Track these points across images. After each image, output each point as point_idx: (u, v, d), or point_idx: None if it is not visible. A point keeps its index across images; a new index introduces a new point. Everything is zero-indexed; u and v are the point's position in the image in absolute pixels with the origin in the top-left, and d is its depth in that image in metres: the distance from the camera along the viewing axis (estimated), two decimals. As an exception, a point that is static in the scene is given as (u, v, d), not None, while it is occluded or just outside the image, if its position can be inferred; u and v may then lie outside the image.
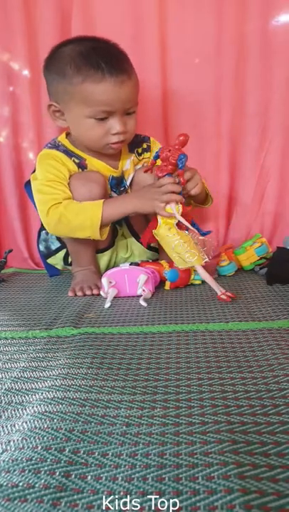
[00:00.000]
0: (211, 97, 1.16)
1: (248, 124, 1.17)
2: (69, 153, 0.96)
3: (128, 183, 1.02)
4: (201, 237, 0.89)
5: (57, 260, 1.09)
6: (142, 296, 0.87)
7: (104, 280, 0.88)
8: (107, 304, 0.85)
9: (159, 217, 0.88)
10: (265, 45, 1.10)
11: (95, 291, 0.94)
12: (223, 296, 0.82)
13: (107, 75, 0.85)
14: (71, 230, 0.91)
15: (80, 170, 0.96)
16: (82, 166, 0.96)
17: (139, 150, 1.04)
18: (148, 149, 1.05)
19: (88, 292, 0.94)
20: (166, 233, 0.87)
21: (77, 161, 0.96)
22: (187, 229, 0.87)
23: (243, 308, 0.80)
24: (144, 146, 1.05)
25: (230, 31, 1.11)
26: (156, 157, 0.88)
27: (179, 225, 0.87)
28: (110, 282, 0.89)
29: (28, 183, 1.03)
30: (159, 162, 0.88)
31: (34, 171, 0.98)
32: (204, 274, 0.84)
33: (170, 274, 0.92)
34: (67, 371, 0.58)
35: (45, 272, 1.21)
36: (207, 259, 0.85)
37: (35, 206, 0.98)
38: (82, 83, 0.85)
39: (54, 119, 0.95)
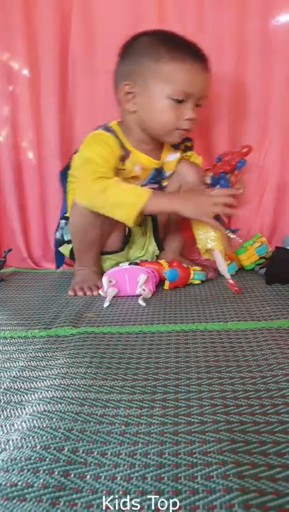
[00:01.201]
0: (211, 97, 1.16)
1: (247, 124, 1.17)
2: (120, 142, 0.95)
3: (167, 175, 1.04)
4: (227, 232, 0.93)
5: (67, 251, 1.09)
6: (141, 295, 0.87)
7: (104, 279, 0.88)
8: (106, 304, 0.85)
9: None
10: (265, 45, 1.10)
11: (95, 293, 0.94)
12: (231, 281, 0.86)
13: (194, 58, 0.88)
14: (109, 205, 0.89)
15: (120, 163, 0.95)
16: (123, 158, 0.96)
17: (182, 147, 1.06)
18: (191, 148, 1.09)
19: (88, 293, 0.94)
20: None
21: (122, 153, 0.95)
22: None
23: (243, 307, 0.80)
24: (189, 144, 1.08)
25: (230, 31, 1.10)
26: (219, 160, 0.99)
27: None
28: (110, 281, 0.89)
29: (63, 171, 1.04)
30: None
31: (75, 152, 0.99)
32: (220, 261, 0.88)
33: (169, 273, 0.92)
34: (66, 370, 0.58)
35: (45, 272, 1.21)
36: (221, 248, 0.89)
37: (64, 191, 0.99)
38: (170, 61, 0.87)
39: (124, 101, 0.93)
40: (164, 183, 1.05)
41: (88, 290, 0.94)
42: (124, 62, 0.93)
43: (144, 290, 0.88)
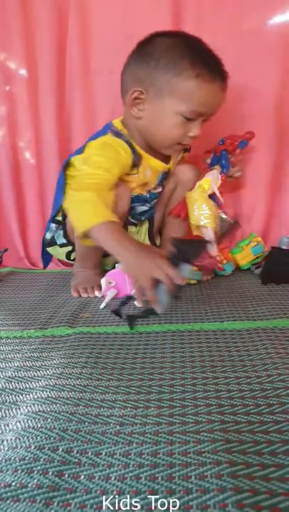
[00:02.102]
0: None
1: (243, 124, 1.17)
2: (131, 147, 0.91)
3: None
4: (224, 216, 0.94)
5: (58, 253, 1.08)
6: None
7: (103, 281, 0.88)
8: (103, 305, 0.85)
9: (197, 182, 0.95)
10: (261, 46, 1.10)
11: (97, 294, 0.93)
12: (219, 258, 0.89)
13: (218, 78, 0.83)
14: (71, 212, 0.82)
15: (133, 169, 0.92)
16: (136, 164, 0.92)
17: (188, 147, 1.06)
18: (188, 150, 1.07)
19: (92, 295, 0.94)
20: (196, 196, 0.92)
21: (135, 158, 0.91)
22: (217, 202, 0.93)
23: (238, 307, 0.80)
24: (188, 146, 1.04)
25: (227, 31, 1.10)
26: (222, 142, 1.00)
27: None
28: (110, 283, 0.89)
29: (63, 168, 0.95)
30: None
31: (80, 152, 0.92)
32: (211, 236, 0.89)
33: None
34: (61, 371, 0.57)
35: (41, 272, 1.21)
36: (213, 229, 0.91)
37: (59, 192, 0.93)
38: (195, 78, 0.82)
39: (131, 105, 0.88)
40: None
41: (92, 291, 0.94)
42: (138, 64, 0.86)
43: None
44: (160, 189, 1.02)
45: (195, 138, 0.89)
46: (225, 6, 1.09)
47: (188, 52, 0.82)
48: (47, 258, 1.12)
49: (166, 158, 0.98)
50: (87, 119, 1.17)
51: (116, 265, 0.94)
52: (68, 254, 1.05)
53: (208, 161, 1.02)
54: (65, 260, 1.10)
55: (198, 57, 0.82)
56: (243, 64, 1.12)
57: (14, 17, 1.13)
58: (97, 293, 0.92)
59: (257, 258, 1.04)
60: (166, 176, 1.01)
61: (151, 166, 0.96)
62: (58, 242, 1.05)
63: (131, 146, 0.90)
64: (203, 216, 0.90)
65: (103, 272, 0.94)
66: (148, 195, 1.00)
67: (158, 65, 0.83)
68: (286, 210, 1.18)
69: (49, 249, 1.09)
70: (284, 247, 1.00)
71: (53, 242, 1.06)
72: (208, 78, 0.82)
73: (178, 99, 0.84)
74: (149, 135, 0.91)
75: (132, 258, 0.71)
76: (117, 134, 0.91)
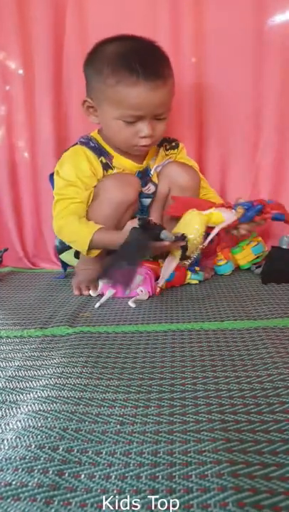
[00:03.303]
0: (207, 97, 1.16)
1: (243, 124, 1.17)
2: (99, 150, 0.96)
3: (152, 172, 1.03)
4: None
5: (70, 255, 1.08)
6: (136, 296, 0.87)
7: (100, 280, 0.88)
8: (97, 304, 0.85)
9: (211, 209, 0.86)
10: (260, 45, 1.10)
11: (92, 293, 0.93)
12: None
13: (142, 80, 0.83)
14: (67, 242, 0.96)
15: (105, 171, 0.96)
16: (107, 166, 0.96)
17: (168, 146, 1.05)
18: (176, 147, 1.07)
19: (92, 293, 0.94)
20: (198, 217, 0.83)
21: (104, 161, 0.96)
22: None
23: (239, 307, 0.80)
24: (173, 143, 1.06)
25: (226, 31, 1.10)
26: (270, 202, 0.91)
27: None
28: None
29: (52, 175, 1.02)
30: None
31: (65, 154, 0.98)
32: (171, 267, 0.84)
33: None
34: (61, 370, 0.57)
35: (41, 272, 1.21)
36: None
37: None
38: (116, 85, 0.84)
39: (87, 114, 0.94)
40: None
41: (94, 289, 0.94)
42: (86, 75, 0.92)
43: (141, 291, 0.87)
44: (153, 189, 1.03)
45: (150, 137, 0.90)
46: (224, 6, 1.09)
47: (112, 59, 0.85)
48: (64, 265, 1.13)
49: (139, 158, 0.99)
50: (85, 118, 1.17)
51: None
52: (77, 252, 1.05)
53: (241, 200, 0.99)
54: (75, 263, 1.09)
55: (120, 61, 0.84)
56: (243, 64, 1.12)
57: (11, 16, 1.13)
58: (91, 292, 0.92)
59: (257, 258, 1.03)
60: (144, 174, 1.02)
61: (125, 166, 0.98)
62: (67, 245, 1.05)
63: (99, 150, 0.96)
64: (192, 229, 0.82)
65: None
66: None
67: (92, 74, 0.88)
68: (287, 210, 1.18)
69: (62, 257, 1.09)
70: (284, 247, 0.99)
71: (63, 248, 1.06)
72: (129, 82, 0.83)
73: (111, 106, 0.87)
74: (109, 139, 0.95)
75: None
76: (85, 141, 0.97)
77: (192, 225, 0.82)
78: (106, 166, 0.96)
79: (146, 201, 1.04)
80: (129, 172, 0.99)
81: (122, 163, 0.98)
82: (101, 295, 0.90)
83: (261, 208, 0.87)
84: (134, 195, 0.94)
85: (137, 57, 0.84)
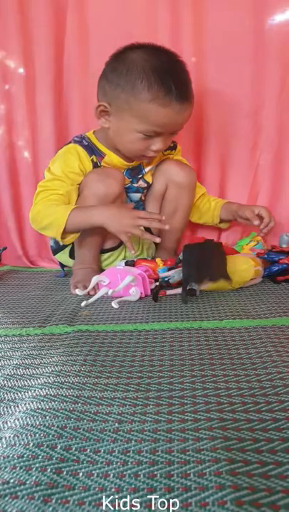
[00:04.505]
0: (206, 97, 1.16)
1: (243, 122, 1.17)
2: (91, 149, 0.97)
3: (147, 170, 1.04)
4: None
5: (65, 256, 1.08)
6: (127, 296, 0.87)
7: (94, 278, 0.88)
8: (83, 303, 0.85)
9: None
10: (260, 44, 1.10)
11: (78, 292, 0.93)
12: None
13: (174, 101, 0.85)
14: (41, 228, 0.94)
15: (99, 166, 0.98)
16: (97, 166, 0.98)
17: (172, 145, 1.06)
18: (174, 148, 1.08)
19: (92, 292, 0.94)
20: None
21: (95, 159, 0.97)
22: None
23: (237, 306, 0.80)
24: (171, 145, 1.07)
25: (225, 30, 1.10)
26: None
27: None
28: (103, 282, 0.89)
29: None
30: None
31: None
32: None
33: (163, 271, 0.92)
34: (60, 368, 0.57)
35: (40, 270, 1.21)
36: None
37: None
38: (149, 102, 0.84)
39: (98, 116, 0.94)
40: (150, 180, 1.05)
41: (92, 289, 0.94)
42: (106, 77, 0.91)
43: (133, 292, 0.87)
44: (145, 185, 1.04)
45: (160, 151, 0.94)
46: (224, 6, 1.09)
47: (147, 74, 0.84)
48: (62, 266, 1.13)
49: (131, 159, 1.00)
50: (85, 117, 1.17)
51: (117, 264, 0.94)
52: (71, 252, 1.05)
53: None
54: (71, 260, 1.09)
55: (156, 79, 0.84)
56: (243, 63, 1.12)
57: (12, 15, 1.13)
58: (77, 291, 0.91)
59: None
60: (136, 172, 1.03)
61: (113, 164, 0.99)
62: (61, 243, 1.05)
63: (91, 149, 0.97)
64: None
65: (102, 270, 0.94)
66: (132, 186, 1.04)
67: (119, 83, 0.87)
68: (286, 209, 1.18)
69: (57, 257, 1.10)
70: (284, 246, 0.99)
71: (58, 248, 1.07)
72: (162, 102, 0.84)
73: (135, 118, 0.87)
74: (115, 143, 0.96)
75: (112, 216, 0.85)
76: (79, 140, 0.98)
77: (241, 275, 0.87)
78: (96, 166, 0.97)
79: (136, 196, 1.04)
80: (119, 168, 1.00)
81: (113, 160, 0.99)
82: (89, 295, 0.90)
83: (274, 255, 0.94)
84: (116, 187, 0.94)
85: (173, 77, 0.85)
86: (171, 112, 0.85)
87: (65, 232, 0.88)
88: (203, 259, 0.82)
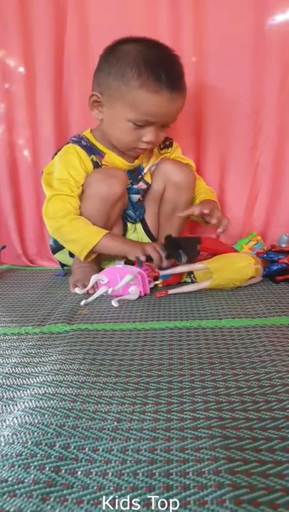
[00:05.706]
0: (206, 96, 1.16)
1: (242, 122, 1.16)
2: (90, 149, 0.97)
3: (146, 170, 1.04)
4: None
5: (65, 255, 1.08)
6: (126, 295, 0.86)
7: (93, 277, 0.88)
8: (83, 302, 0.85)
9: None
10: (260, 44, 1.10)
11: (78, 291, 0.93)
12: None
13: (164, 89, 0.85)
14: (64, 241, 0.95)
15: (95, 169, 0.97)
16: (97, 165, 0.97)
17: (162, 145, 1.06)
18: (170, 146, 1.08)
19: (91, 291, 0.94)
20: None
21: (95, 159, 0.96)
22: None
23: (237, 305, 0.80)
24: (167, 142, 1.07)
25: (225, 30, 1.10)
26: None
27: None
28: (102, 281, 0.89)
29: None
30: None
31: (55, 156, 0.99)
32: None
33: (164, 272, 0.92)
34: (59, 367, 0.57)
35: (39, 269, 1.21)
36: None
37: None
38: (138, 88, 0.85)
39: (91, 107, 0.94)
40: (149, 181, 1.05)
41: (91, 288, 0.94)
42: (99, 69, 0.92)
43: (132, 290, 0.87)
44: (144, 187, 1.04)
45: (151, 143, 0.93)
46: (224, 5, 1.09)
47: (137, 62, 0.85)
48: (62, 265, 1.13)
49: (131, 157, 1.00)
50: (85, 116, 1.17)
51: (116, 263, 0.93)
52: (71, 252, 1.05)
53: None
54: (71, 259, 1.09)
55: (147, 67, 0.84)
56: (243, 63, 1.12)
57: (12, 14, 1.13)
58: (77, 290, 0.91)
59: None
60: (136, 173, 1.02)
61: (115, 163, 0.99)
62: (60, 244, 1.05)
63: (90, 149, 0.96)
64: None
65: (102, 269, 0.94)
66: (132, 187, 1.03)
67: (110, 71, 0.87)
68: (286, 209, 1.18)
69: (56, 256, 1.09)
70: (283, 245, 0.99)
71: (57, 247, 1.06)
72: (153, 89, 0.84)
73: (126, 107, 0.87)
74: (108, 136, 0.96)
75: (131, 247, 0.90)
76: (77, 139, 0.98)
77: (239, 272, 0.87)
78: (96, 165, 0.97)
79: (135, 197, 1.04)
80: (120, 169, 0.99)
81: (114, 160, 0.98)
82: (88, 294, 0.90)
83: (274, 255, 0.94)
84: (119, 187, 0.94)
85: (164, 66, 0.85)
86: (161, 99, 0.85)
87: (91, 251, 0.90)
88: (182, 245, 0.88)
